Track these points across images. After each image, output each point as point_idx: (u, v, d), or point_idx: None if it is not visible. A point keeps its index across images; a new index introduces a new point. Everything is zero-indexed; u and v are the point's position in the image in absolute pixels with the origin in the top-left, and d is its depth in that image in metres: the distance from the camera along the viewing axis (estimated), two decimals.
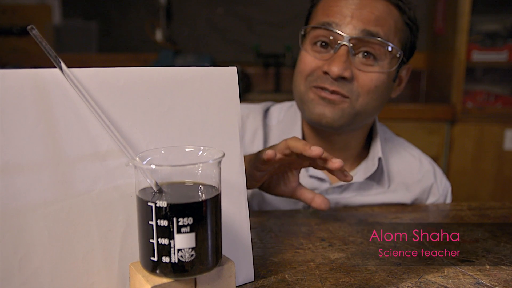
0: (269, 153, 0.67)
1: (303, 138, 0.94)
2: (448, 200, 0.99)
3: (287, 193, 0.76)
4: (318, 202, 0.73)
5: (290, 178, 0.76)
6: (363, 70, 0.82)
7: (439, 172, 0.99)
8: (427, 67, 2.60)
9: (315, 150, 0.65)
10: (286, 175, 0.76)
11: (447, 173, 2.23)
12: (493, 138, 2.22)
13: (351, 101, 0.83)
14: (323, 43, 0.84)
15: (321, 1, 0.87)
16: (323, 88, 0.83)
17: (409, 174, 0.95)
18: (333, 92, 0.82)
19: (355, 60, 0.82)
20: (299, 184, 0.76)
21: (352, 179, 0.71)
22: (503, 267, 0.61)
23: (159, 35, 2.51)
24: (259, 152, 0.70)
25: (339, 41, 0.81)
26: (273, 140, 0.96)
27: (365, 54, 0.82)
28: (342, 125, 0.85)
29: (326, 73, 0.81)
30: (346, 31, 0.80)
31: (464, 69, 2.21)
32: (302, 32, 0.88)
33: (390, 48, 0.82)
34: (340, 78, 0.81)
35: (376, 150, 0.92)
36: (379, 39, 0.80)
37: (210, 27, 2.77)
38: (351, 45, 0.80)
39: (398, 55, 0.84)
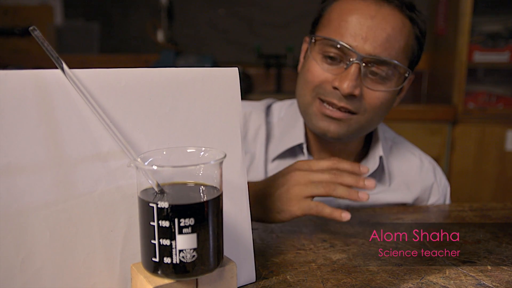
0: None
1: (305, 137, 0.93)
2: (447, 199, 0.99)
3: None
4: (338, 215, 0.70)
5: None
6: (372, 89, 0.81)
7: (439, 171, 0.99)
8: (429, 68, 2.60)
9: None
10: None
11: (449, 174, 2.22)
12: (495, 139, 2.22)
13: (357, 116, 0.83)
14: (333, 56, 0.82)
15: (336, 7, 0.84)
16: (329, 103, 0.82)
17: (410, 172, 0.96)
18: (340, 108, 0.81)
19: (365, 79, 0.81)
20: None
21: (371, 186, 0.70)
22: (505, 268, 0.61)
23: (160, 36, 2.51)
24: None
25: (351, 59, 0.79)
26: (275, 137, 0.96)
27: (375, 73, 0.81)
28: (347, 138, 0.86)
29: (335, 88, 0.81)
30: (359, 50, 0.79)
31: (465, 69, 2.21)
32: (313, 40, 0.85)
33: (398, 70, 0.82)
34: (349, 96, 0.80)
35: (377, 149, 0.92)
36: (391, 61, 0.80)
37: (212, 28, 2.77)
38: (363, 64, 0.79)
39: (406, 75, 0.83)
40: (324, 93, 0.82)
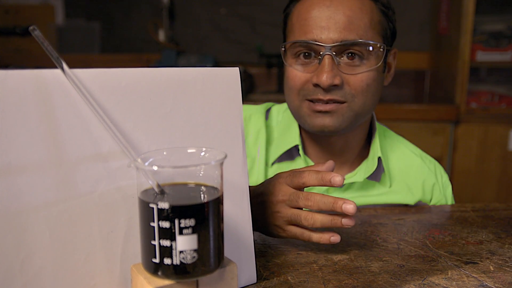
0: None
1: (301, 140, 0.93)
2: (449, 199, 0.98)
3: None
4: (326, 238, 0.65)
5: None
6: (351, 73, 0.83)
7: (440, 171, 0.99)
8: (431, 67, 2.59)
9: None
10: None
11: (451, 173, 2.22)
12: (498, 139, 2.21)
13: (348, 104, 0.83)
14: (306, 53, 0.85)
15: (294, 12, 0.87)
16: (317, 100, 0.83)
17: (411, 173, 0.95)
18: (328, 101, 0.83)
19: (341, 65, 0.83)
20: None
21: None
22: (508, 269, 0.61)
23: (161, 36, 2.51)
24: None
25: (321, 52, 0.82)
26: (275, 140, 0.96)
27: (349, 55, 0.83)
28: (344, 129, 0.86)
29: (316, 85, 0.82)
30: (325, 42, 0.81)
31: (468, 69, 2.21)
32: (283, 48, 0.88)
33: (371, 47, 0.83)
34: (331, 87, 0.81)
35: (376, 149, 0.92)
36: (359, 41, 0.81)
37: (213, 28, 2.77)
38: (334, 53, 0.81)
39: (381, 49, 0.85)
40: (308, 93, 0.84)
